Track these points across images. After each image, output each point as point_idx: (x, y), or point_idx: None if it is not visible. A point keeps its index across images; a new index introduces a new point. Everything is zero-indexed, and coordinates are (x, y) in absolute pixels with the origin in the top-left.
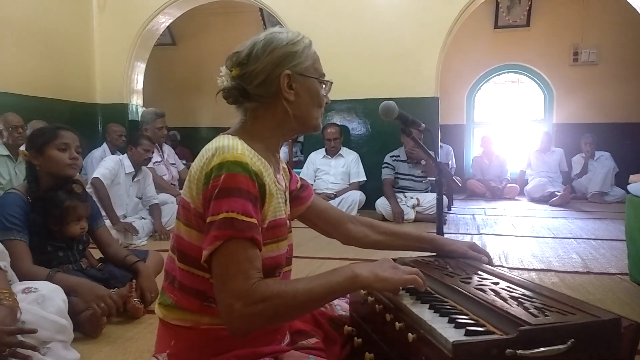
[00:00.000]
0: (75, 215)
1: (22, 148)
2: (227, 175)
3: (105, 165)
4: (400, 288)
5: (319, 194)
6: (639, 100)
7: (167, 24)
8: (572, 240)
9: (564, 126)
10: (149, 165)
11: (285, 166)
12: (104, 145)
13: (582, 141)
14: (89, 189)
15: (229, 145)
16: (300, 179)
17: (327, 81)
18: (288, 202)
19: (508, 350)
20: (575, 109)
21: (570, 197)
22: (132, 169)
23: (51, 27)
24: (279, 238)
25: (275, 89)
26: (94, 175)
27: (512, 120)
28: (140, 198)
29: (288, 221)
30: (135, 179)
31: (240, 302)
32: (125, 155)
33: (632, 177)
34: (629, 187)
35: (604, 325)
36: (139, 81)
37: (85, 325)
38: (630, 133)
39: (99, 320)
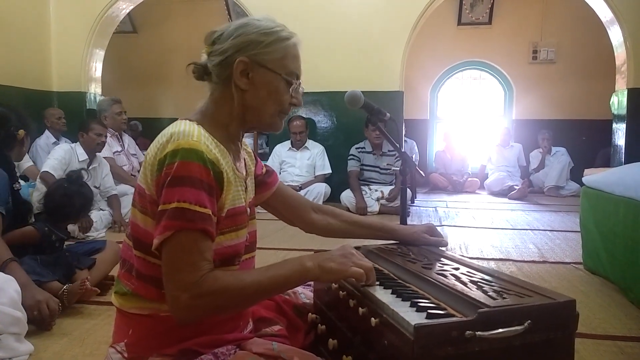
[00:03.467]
0: (84, 214)
1: None
2: (180, 162)
3: (55, 155)
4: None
5: None
6: (595, 97)
7: (128, 11)
8: (529, 231)
9: (523, 122)
10: (108, 155)
11: (251, 151)
12: (46, 132)
13: (539, 137)
14: (39, 182)
15: (185, 131)
16: (265, 165)
17: (294, 81)
18: (252, 189)
19: (468, 332)
20: (534, 105)
21: (528, 190)
22: (86, 157)
23: (4, 11)
24: (239, 226)
25: (229, 73)
26: (43, 169)
27: (473, 116)
28: (97, 188)
29: (249, 209)
30: (91, 167)
31: (186, 294)
32: (78, 143)
33: (586, 171)
34: (584, 179)
35: (559, 307)
36: (97, 69)
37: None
38: (586, 129)
39: (44, 322)
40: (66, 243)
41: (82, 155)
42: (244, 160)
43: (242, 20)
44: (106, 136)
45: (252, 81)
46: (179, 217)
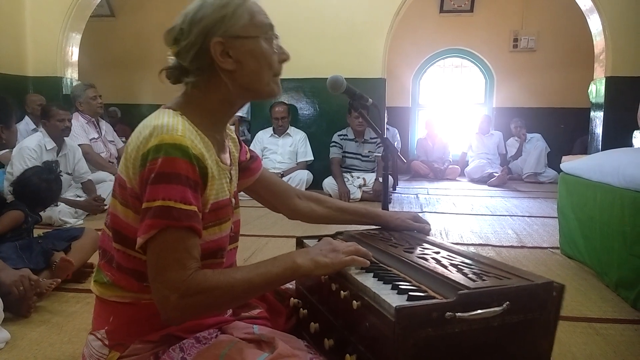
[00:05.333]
0: (58, 199)
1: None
2: (164, 159)
3: (24, 156)
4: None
5: None
6: (574, 86)
7: None
8: (508, 217)
9: (503, 110)
10: (85, 142)
11: (235, 137)
12: (26, 118)
13: (512, 125)
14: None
15: (169, 125)
16: (250, 150)
17: (273, 35)
18: (236, 178)
19: (448, 313)
20: (514, 93)
21: (507, 177)
22: (53, 144)
23: None
24: (222, 220)
25: (210, 60)
26: (14, 176)
27: (455, 104)
28: (69, 174)
29: (233, 199)
30: (61, 154)
31: (175, 294)
32: (44, 130)
33: (564, 158)
34: (561, 165)
35: (537, 288)
36: (74, 53)
37: (15, 305)
38: (564, 117)
39: (28, 299)
40: (43, 230)
41: (49, 143)
42: (229, 148)
43: (193, 5)
44: (70, 120)
45: (235, 58)
46: (165, 216)
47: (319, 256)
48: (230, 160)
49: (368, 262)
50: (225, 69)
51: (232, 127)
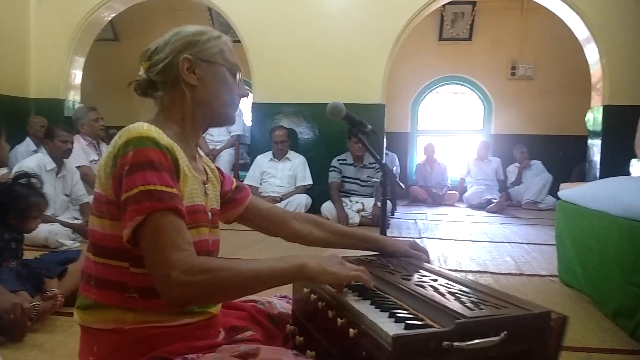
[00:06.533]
0: (38, 212)
1: None
2: (135, 150)
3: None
4: (344, 284)
5: (264, 197)
6: (571, 114)
7: (110, 18)
8: (506, 244)
9: (501, 137)
10: (85, 164)
11: (214, 167)
12: (27, 139)
13: (515, 151)
14: None
15: (134, 125)
16: (236, 180)
17: (237, 72)
18: (214, 199)
19: (445, 342)
20: (512, 120)
21: (506, 204)
22: (54, 165)
23: None
24: (199, 223)
25: (176, 74)
26: None
27: (453, 130)
28: (68, 195)
29: (210, 213)
30: (59, 175)
31: (177, 271)
32: (44, 150)
33: (562, 185)
34: (559, 193)
35: (535, 318)
36: (77, 76)
37: (8, 329)
38: (562, 145)
39: (22, 325)
40: (40, 252)
41: (50, 164)
42: (204, 167)
43: (173, 30)
44: (72, 142)
45: (199, 76)
46: (147, 199)
47: (326, 263)
48: (206, 176)
49: (372, 282)
50: (188, 82)
51: (230, 153)
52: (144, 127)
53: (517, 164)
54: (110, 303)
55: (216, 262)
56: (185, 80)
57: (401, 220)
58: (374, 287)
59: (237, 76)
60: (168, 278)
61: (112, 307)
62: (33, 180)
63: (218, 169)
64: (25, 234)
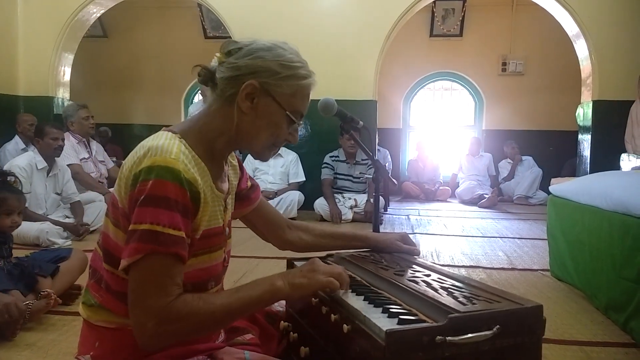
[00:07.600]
0: (5, 208)
1: None
2: (155, 181)
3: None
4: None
5: None
6: (561, 109)
7: (98, 15)
8: (498, 239)
9: (493, 132)
10: (75, 162)
11: (236, 164)
12: (16, 137)
13: (506, 147)
14: None
15: (163, 147)
16: (251, 178)
17: (297, 120)
18: (231, 207)
19: (438, 337)
20: (503, 116)
21: (498, 199)
22: (45, 164)
23: None
24: (213, 248)
25: (235, 92)
26: None
27: (445, 126)
28: (59, 194)
29: (227, 228)
30: (51, 174)
31: (153, 321)
32: (35, 149)
33: (553, 180)
34: (550, 188)
35: (526, 312)
36: (66, 73)
37: (0, 328)
38: (553, 140)
39: (14, 324)
40: (31, 251)
41: (40, 162)
42: (227, 176)
43: (266, 43)
44: (63, 139)
45: (255, 107)
46: (151, 240)
47: (296, 278)
48: (228, 189)
49: (342, 287)
50: (240, 107)
51: (236, 153)
52: (172, 155)
53: (508, 160)
54: (115, 310)
55: (193, 305)
56: (239, 103)
57: (394, 216)
58: (367, 282)
59: (295, 124)
60: (144, 327)
61: (117, 313)
62: (10, 178)
63: (239, 163)
64: (19, 234)
